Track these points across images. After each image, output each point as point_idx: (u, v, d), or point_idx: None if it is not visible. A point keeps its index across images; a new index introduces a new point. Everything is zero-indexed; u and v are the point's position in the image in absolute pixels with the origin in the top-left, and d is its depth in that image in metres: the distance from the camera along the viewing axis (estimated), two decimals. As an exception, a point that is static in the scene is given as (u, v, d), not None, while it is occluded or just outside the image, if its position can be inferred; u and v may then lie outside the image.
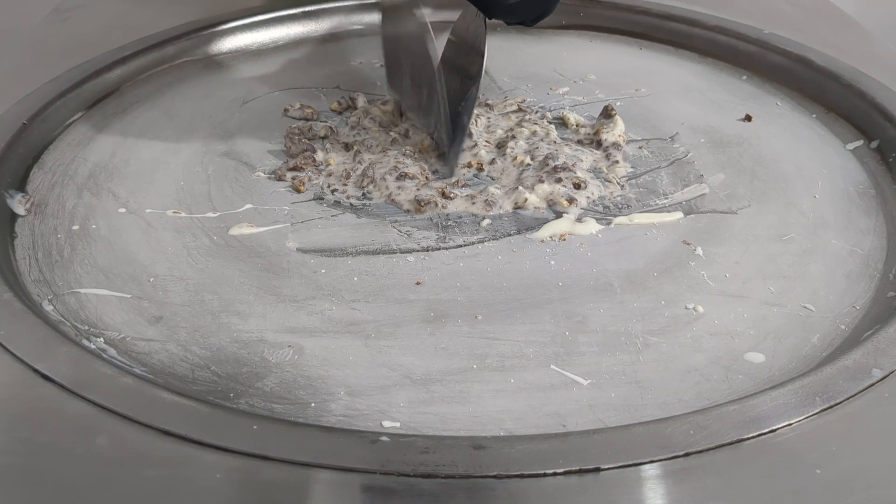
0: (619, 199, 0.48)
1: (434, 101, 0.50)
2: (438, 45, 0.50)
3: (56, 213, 0.46)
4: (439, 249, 0.44)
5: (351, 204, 0.48)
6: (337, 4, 0.70)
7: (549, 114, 0.57)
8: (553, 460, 0.30)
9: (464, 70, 0.51)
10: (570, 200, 0.47)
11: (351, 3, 0.70)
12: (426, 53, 0.49)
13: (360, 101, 0.57)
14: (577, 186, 0.48)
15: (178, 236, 0.45)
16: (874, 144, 0.53)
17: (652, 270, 0.43)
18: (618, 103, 0.59)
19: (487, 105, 0.57)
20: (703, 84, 0.62)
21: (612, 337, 0.38)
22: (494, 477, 0.30)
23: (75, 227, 0.45)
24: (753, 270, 0.43)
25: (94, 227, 0.45)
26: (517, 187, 0.48)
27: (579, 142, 0.53)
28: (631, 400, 0.35)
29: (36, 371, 0.34)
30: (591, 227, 0.46)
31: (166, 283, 0.41)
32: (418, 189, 0.48)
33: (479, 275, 0.42)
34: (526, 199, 0.47)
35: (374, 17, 0.71)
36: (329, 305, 0.40)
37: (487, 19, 0.50)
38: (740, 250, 0.44)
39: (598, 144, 0.53)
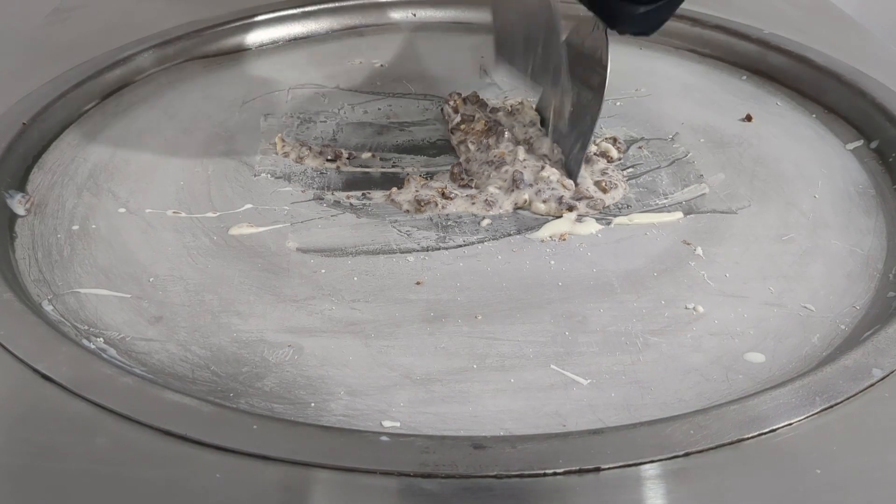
0: (619, 199, 0.48)
1: (552, 68, 0.49)
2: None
3: (56, 213, 0.46)
4: (439, 249, 0.44)
5: (351, 204, 0.48)
6: (337, 4, 0.70)
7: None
8: (553, 460, 0.30)
9: (583, 80, 0.49)
10: (571, 208, 0.47)
11: (351, 3, 0.70)
12: (550, 18, 0.48)
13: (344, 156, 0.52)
14: (605, 190, 0.48)
15: (178, 236, 0.45)
16: (874, 145, 0.53)
17: (652, 270, 0.43)
18: (618, 103, 0.59)
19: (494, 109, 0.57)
20: (703, 84, 0.62)
21: (612, 337, 0.38)
22: (494, 477, 0.30)
23: (75, 227, 0.45)
24: (753, 270, 0.43)
25: (94, 227, 0.45)
26: (517, 188, 0.48)
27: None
28: (631, 400, 0.35)
29: (36, 371, 0.34)
30: (591, 227, 0.46)
31: (166, 283, 0.41)
32: (418, 189, 0.48)
33: (479, 275, 0.42)
34: (526, 200, 0.47)
35: (375, 18, 0.71)
36: (329, 305, 0.40)
37: (609, 30, 0.47)
38: (740, 250, 0.44)
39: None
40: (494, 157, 0.49)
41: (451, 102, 0.56)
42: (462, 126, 0.53)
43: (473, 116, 0.54)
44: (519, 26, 0.53)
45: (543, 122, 0.53)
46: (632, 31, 0.47)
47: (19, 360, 0.35)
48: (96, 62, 0.59)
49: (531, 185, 0.47)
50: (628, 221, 0.46)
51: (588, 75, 0.48)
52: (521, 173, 0.47)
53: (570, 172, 0.49)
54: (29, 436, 0.32)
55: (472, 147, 0.51)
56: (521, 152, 0.49)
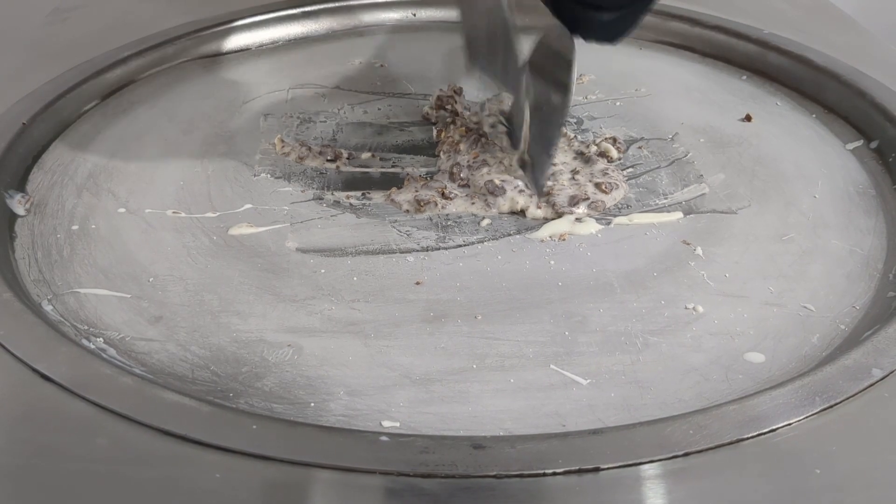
0: (619, 199, 0.48)
1: (510, 71, 0.48)
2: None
3: (56, 213, 0.46)
4: (439, 249, 0.44)
5: (351, 204, 0.48)
6: (337, 4, 0.70)
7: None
8: (553, 460, 0.30)
9: (551, 77, 0.47)
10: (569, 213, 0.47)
11: (351, 3, 0.70)
12: (503, 21, 0.47)
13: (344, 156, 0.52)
14: (605, 192, 0.48)
15: (178, 236, 0.45)
16: (874, 145, 0.53)
17: (652, 270, 0.43)
18: (618, 103, 0.59)
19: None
20: (703, 84, 0.62)
21: (611, 337, 0.38)
22: (494, 477, 0.30)
23: (75, 227, 0.45)
24: (753, 270, 0.43)
25: (93, 227, 0.45)
26: (494, 195, 0.47)
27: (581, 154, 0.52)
28: (631, 400, 0.35)
29: (36, 371, 0.34)
30: (591, 227, 0.46)
31: (166, 283, 0.41)
32: (418, 189, 0.48)
33: (479, 275, 0.42)
34: (519, 205, 0.47)
35: (375, 18, 0.71)
36: (329, 305, 0.40)
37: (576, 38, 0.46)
38: (740, 250, 0.44)
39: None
40: (469, 162, 0.49)
41: (436, 104, 0.56)
42: (442, 136, 0.53)
43: (452, 122, 0.54)
44: (482, 37, 0.52)
45: (511, 131, 0.52)
46: (596, 39, 0.46)
47: (19, 360, 0.35)
48: (96, 62, 0.59)
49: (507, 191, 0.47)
50: (628, 221, 0.46)
51: (555, 81, 0.47)
52: (493, 182, 0.47)
53: (536, 183, 0.47)
54: (29, 436, 0.32)
55: (443, 157, 0.51)
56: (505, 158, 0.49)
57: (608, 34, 0.45)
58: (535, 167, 0.48)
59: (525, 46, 0.48)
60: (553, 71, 0.47)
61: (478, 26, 0.52)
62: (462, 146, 0.51)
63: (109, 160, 0.51)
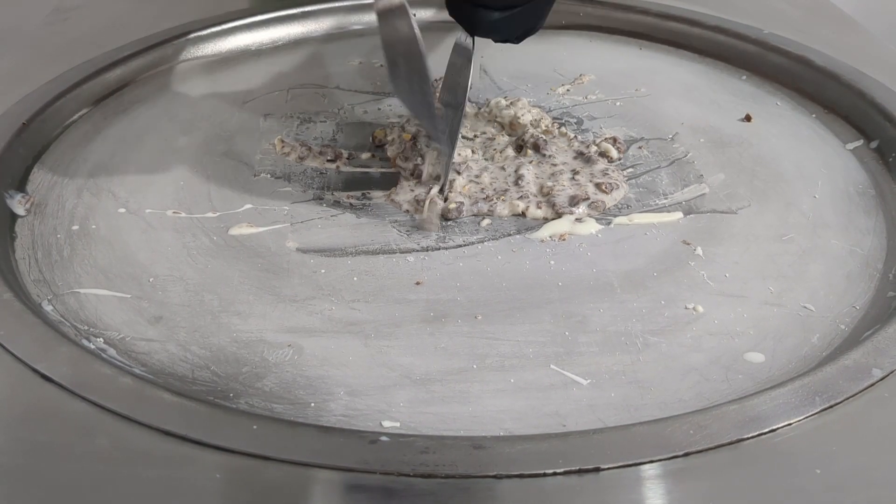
0: (620, 199, 0.48)
1: (427, 103, 0.48)
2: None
3: (56, 214, 0.46)
4: (439, 249, 0.44)
5: (351, 204, 0.48)
6: (337, 4, 0.70)
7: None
8: (553, 460, 0.30)
9: (454, 90, 0.49)
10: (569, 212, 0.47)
11: (351, 3, 0.70)
12: (419, 55, 0.47)
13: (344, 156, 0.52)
14: (606, 192, 0.48)
15: (178, 236, 0.45)
16: (874, 144, 0.53)
17: (652, 270, 0.43)
18: (618, 103, 0.59)
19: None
20: (703, 84, 0.62)
21: (611, 337, 0.38)
22: (494, 477, 0.30)
23: (75, 228, 0.45)
24: (753, 270, 0.43)
25: (93, 227, 0.45)
26: (510, 200, 0.47)
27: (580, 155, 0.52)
28: (631, 400, 0.35)
29: (36, 371, 0.34)
30: (591, 227, 0.46)
31: (166, 284, 0.41)
32: (413, 189, 0.48)
33: (479, 275, 0.42)
34: (521, 210, 0.47)
35: (374, 17, 0.71)
36: (329, 305, 0.40)
37: (473, 37, 0.48)
38: (740, 250, 0.44)
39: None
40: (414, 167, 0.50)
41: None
42: (380, 136, 0.54)
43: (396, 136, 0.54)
44: (403, 68, 0.51)
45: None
46: (494, 37, 0.47)
47: (19, 360, 0.35)
48: (96, 62, 0.59)
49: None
50: (628, 221, 0.46)
51: (456, 85, 0.48)
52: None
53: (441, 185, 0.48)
54: (29, 436, 0.32)
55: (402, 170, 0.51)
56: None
57: (505, 33, 0.47)
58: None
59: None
60: (455, 83, 0.49)
61: (397, 55, 0.52)
62: (409, 153, 0.51)
63: (109, 160, 0.51)
